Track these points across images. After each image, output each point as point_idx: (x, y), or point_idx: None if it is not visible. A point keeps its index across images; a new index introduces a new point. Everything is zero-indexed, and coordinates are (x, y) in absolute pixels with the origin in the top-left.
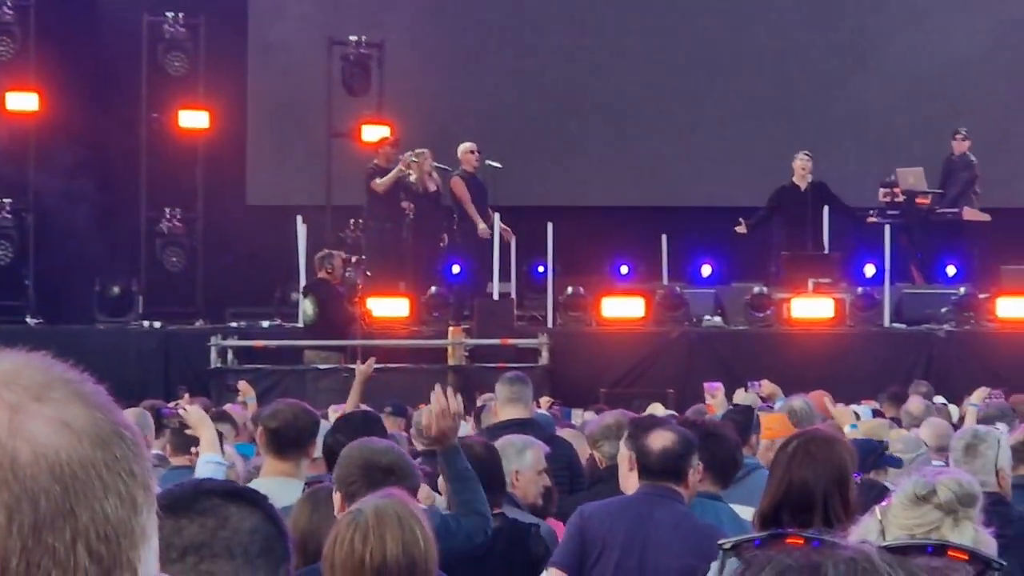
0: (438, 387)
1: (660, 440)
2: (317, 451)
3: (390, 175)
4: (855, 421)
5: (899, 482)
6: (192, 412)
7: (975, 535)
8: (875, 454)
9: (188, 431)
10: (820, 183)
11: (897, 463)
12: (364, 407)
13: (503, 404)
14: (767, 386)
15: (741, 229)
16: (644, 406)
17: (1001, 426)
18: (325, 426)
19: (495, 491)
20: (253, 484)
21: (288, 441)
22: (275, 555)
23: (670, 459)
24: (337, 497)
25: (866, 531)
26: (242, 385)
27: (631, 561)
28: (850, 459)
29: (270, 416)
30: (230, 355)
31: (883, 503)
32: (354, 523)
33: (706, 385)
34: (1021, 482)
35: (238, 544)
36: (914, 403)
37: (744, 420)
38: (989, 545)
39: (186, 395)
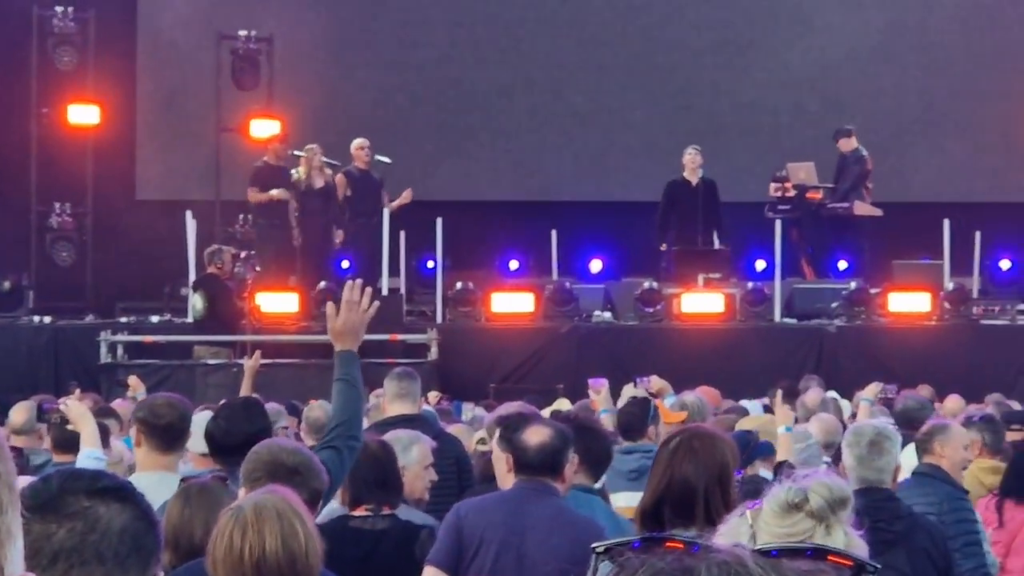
0: (354, 282)
1: (537, 436)
2: (197, 444)
3: (264, 195)
4: (790, 423)
5: (769, 489)
6: (72, 407)
7: (846, 539)
8: (749, 447)
9: (70, 427)
10: (710, 181)
11: (769, 449)
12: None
13: (391, 400)
14: (656, 382)
15: (663, 248)
16: (537, 401)
17: (887, 420)
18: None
19: (391, 491)
20: (131, 478)
21: (162, 435)
22: (145, 551)
23: (547, 454)
24: (242, 492)
25: (736, 533)
26: (132, 380)
27: (509, 556)
28: (732, 456)
29: (143, 410)
30: (120, 350)
31: (753, 505)
32: (234, 518)
33: (590, 381)
34: (925, 470)
35: (108, 547)
36: (811, 396)
37: (642, 412)
38: (860, 548)
39: (77, 391)
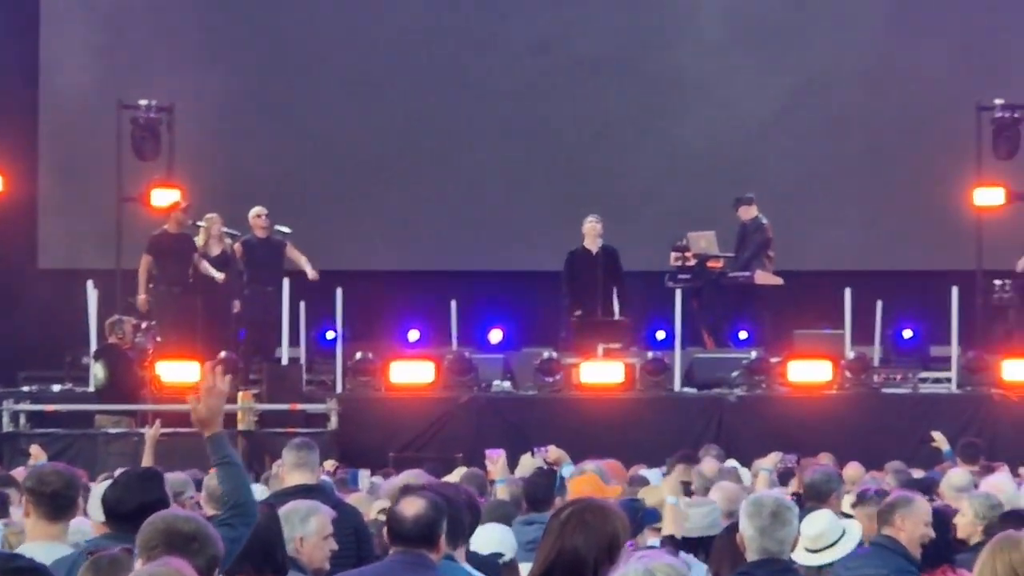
0: (207, 365)
1: (412, 507)
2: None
3: (141, 285)
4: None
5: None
6: None
7: None
8: (637, 515)
9: None
10: (611, 249)
11: (656, 517)
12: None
13: (290, 470)
14: (553, 451)
15: (578, 313)
16: (436, 469)
17: (782, 490)
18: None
19: (275, 558)
20: (20, 549)
21: (49, 503)
22: None
23: (423, 525)
24: (139, 563)
25: None
26: (34, 449)
27: None
28: (623, 528)
29: (31, 479)
30: (22, 419)
31: None
32: None
33: (487, 452)
34: (883, 541)
35: None
36: (707, 465)
37: (547, 482)
38: None
39: None
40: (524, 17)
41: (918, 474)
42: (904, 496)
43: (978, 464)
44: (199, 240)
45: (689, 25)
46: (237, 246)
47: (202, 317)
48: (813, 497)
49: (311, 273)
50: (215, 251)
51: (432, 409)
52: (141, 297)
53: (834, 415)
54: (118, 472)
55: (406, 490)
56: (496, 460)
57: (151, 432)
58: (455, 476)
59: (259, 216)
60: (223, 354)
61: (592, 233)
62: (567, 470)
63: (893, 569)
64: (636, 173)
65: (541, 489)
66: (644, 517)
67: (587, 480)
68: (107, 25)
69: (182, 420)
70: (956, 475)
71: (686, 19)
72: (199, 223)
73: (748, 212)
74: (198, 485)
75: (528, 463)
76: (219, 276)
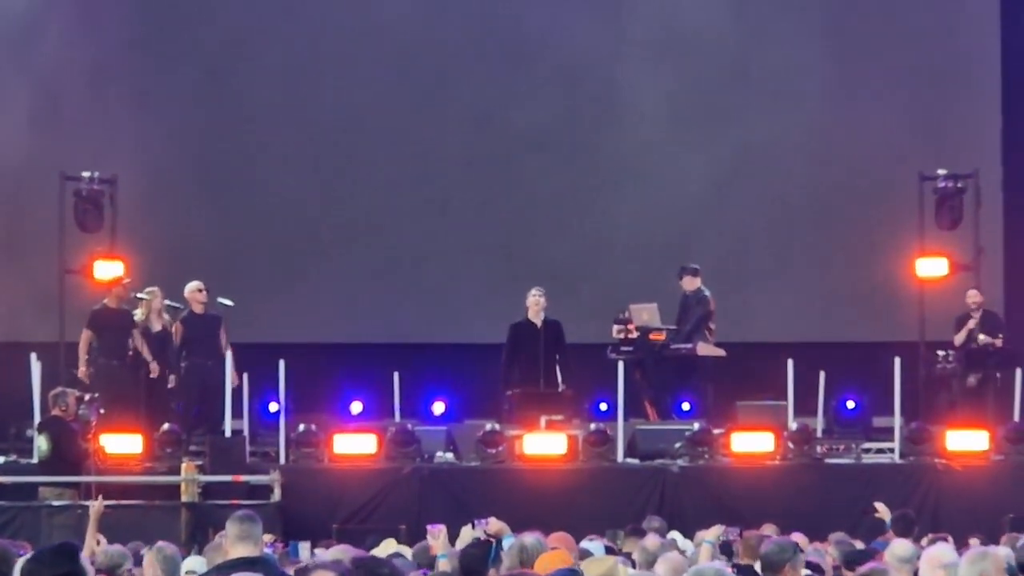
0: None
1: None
2: None
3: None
4: None
5: None
6: None
7: None
8: None
9: None
10: (554, 322)
11: None
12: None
13: (233, 542)
14: (494, 523)
15: (515, 391)
16: (377, 542)
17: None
18: None
19: None
20: None
21: None
22: None
23: None
24: None
25: None
26: None
27: None
28: None
29: None
30: None
31: None
32: None
33: (428, 527)
34: None
35: None
36: (650, 540)
37: (482, 554)
38: None
39: None
40: (465, 91)
41: (860, 545)
42: (878, 568)
43: (912, 536)
44: (139, 314)
45: (630, 98)
46: (176, 326)
47: (144, 390)
48: (768, 568)
49: (233, 378)
50: (156, 326)
51: (375, 481)
52: (82, 370)
53: (777, 486)
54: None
55: (317, 565)
56: (437, 535)
57: (95, 507)
58: (382, 550)
59: (199, 290)
60: (166, 426)
61: (535, 306)
62: (507, 542)
63: None
64: (577, 245)
65: (475, 560)
66: None
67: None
68: (48, 96)
69: (125, 492)
70: (899, 546)
71: (627, 92)
72: (140, 295)
73: (692, 283)
74: (138, 559)
75: (468, 535)
76: (154, 367)
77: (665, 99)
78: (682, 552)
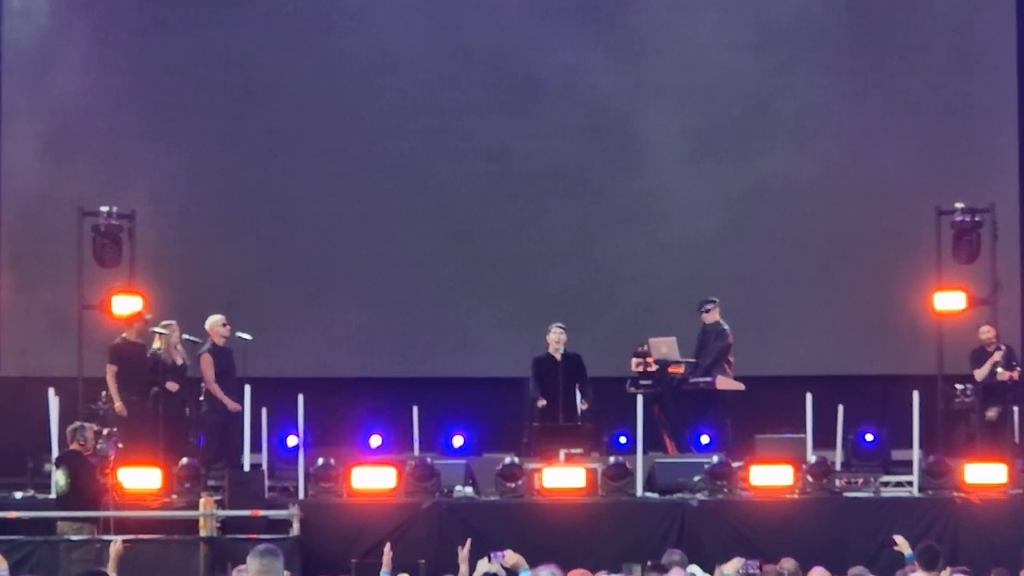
0: None
1: None
2: None
3: (113, 393)
4: None
5: None
6: None
7: None
8: None
9: None
10: (574, 355)
11: None
12: None
13: None
14: (511, 556)
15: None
16: None
17: None
18: None
19: None
20: None
21: None
22: None
23: None
24: None
25: None
26: None
27: None
28: None
29: None
30: None
31: None
32: None
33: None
34: None
35: None
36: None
37: None
38: None
39: None
40: (483, 125)
41: None
42: None
43: (937, 570)
44: (158, 346)
45: (649, 133)
46: (205, 357)
47: (163, 424)
48: None
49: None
50: (178, 360)
51: (394, 515)
52: (118, 404)
53: (796, 519)
54: None
55: None
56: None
57: (115, 548)
58: None
59: (222, 325)
60: (184, 460)
61: (556, 342)
62: (524, 575)
63: None
64: (596, 279)
65: None
66: None
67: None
68: (67, 132)
69: (144, 527)
70: None
71: (645, 127)
72: (158, 329)
73: (711, 316)
74: None
75: (484, 568)
76: (171, 386)
77: (683, 134)
78: None
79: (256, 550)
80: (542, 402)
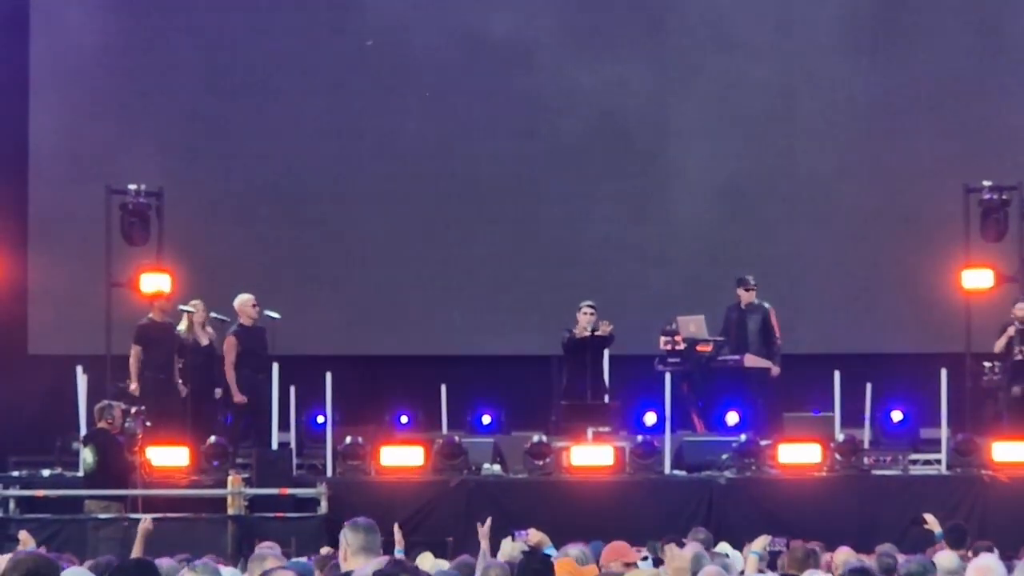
0: None
1: None
2: None
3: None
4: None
5: None
6: None
7: None
8: None
9: None
10: (605, 336)
11: None
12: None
13: (355, 552)
14: (534, 534)
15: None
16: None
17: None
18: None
19: None
20: None
21: None
22: None
23: None
24: None
25: None
26: (22, 535)
27: None
28: None
29: (12, 567)
30: (11, 504)
31: None
32: None
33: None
34: None
35: None
36: (691, 549)
37: (544, 568)
38: None
39: None
40: (512, 102)
41: (901, 558)
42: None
43: (965, 547)
44: (182, 326)
45: (676, 112)
46: (229, 340)
47: (190, 403)
48: None
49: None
50: (204, 341)
51: (422, 493)
52: (134, 385)
53: (824, 497)
54: (105, 559)
55: None
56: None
57: (143, 526)
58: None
59: (248, 304)
60: (212, 439)
61: (585, 322)
62: (549, 553)
63: None
64: (624, 257)
65: (532, 573)
66: None
67: (562, 565)
68: (95, 111)
69: (171, 505)
70: (946, 558)
71: (673, 105)
72: (184, 308)
73: (747, 296)
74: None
75: (509, 548)
76: (182, 389)
77: (713, 113)
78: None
79: (356, 523)
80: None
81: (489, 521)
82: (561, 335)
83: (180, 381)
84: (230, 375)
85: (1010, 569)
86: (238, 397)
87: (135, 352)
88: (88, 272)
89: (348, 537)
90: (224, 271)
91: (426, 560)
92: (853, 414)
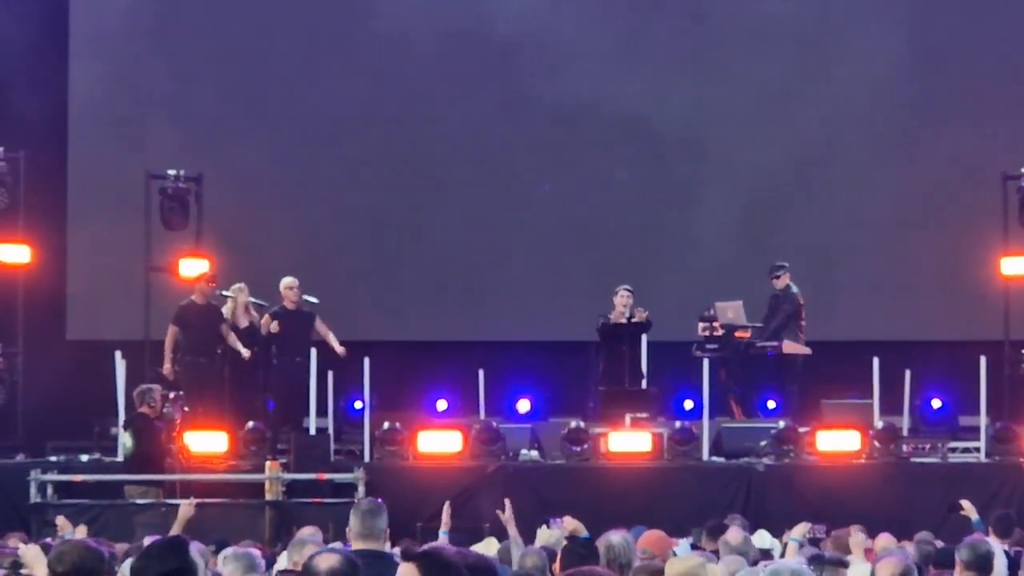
0: None
1: (325, 562)
2: None
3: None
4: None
5: None
6: (28, 551)
7: None
8: None
9: (24, 571)
10: (642, 322)
11: None
12: None
13: (356, 537)
14: (569, 522)
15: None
16: (461, 540)
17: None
18: None
19: None
20: None
21: None
22: None
23: None
24: None
25: None
26: (60, 520)
27: None
28: None
29: (56, 559)
30: (50, 490)
31: None
32: None
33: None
34: None
35: None
36: (732, 533)
37: (588, 553)
38: None
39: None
40: (547, 87)
41: (939, 544)
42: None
43: (1012, 537)
44: (226, 310)
45: (714, 95)
46: (270, 320)
47: (229, 387)
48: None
49: (339, 348)
50: (243, 323)
51: (460, 479)
52: (167, 367)
53: (863, 485)
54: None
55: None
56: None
57: (184, 509)
58: (483, 547)
59: (290, 288)
60: (250, 424)
61: (623, 306)
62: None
63: None
64: (662, 242)
65: (582, 559)
66: None
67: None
68: (135, 96)
69: (209, 490)
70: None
71: (711, 88)
72: (226, 293)
73: (781, 282)
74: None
75: (545, 535)
76: (245, 352)
77: (751, 97)
78: (768, 550)
79: (358, 506)
80: (601, 387)
81: (509, 506)
82: (596, 321)
83: (243, 347)
84: (234, 342)
85: None
86: (245, 352)
87: (171, 333)
88: (127, 257)
89: (350, 520)
90: (263, 256)
91: (492, 546)
92: (892, 402)
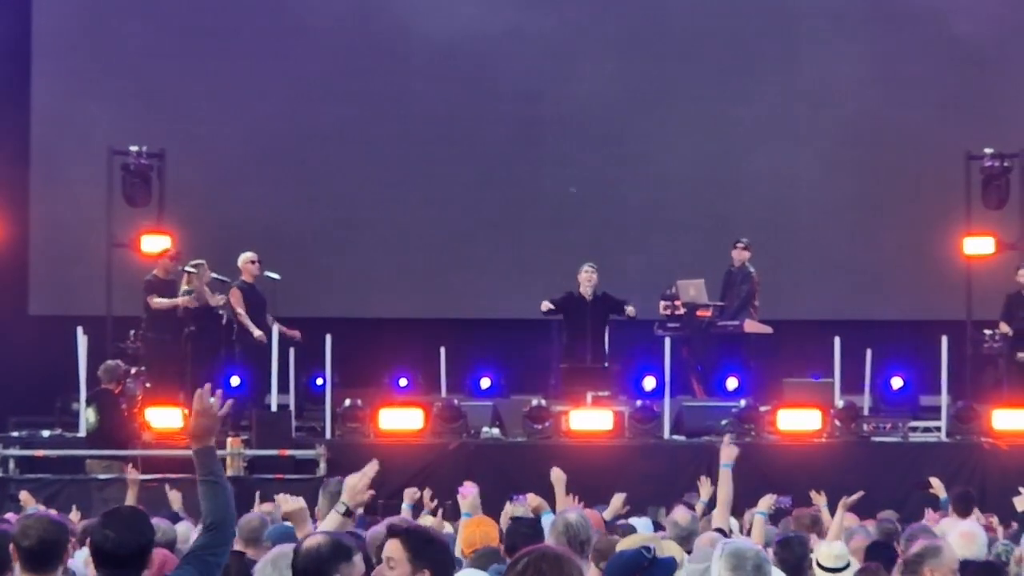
0: (202, 390)
1: (312, 540)
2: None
3: (168, 301)
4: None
5: None
6: None
7: None
8: (640, 567)
9: None
10: (603, 295)
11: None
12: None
13: (324, 516)
14: (532, 499)
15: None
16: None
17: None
18: None
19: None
20: None
21: (27, 555)
22: None
23: (311, 560)
24: None
25: None
26: (23, 495)
27: None
28: None
29: (21, 534)
30: (12, 464)
31: None
32: None
33: (460, 488)
34: None
35: None
36: (679, 512)
37: (532, 532)
38: None
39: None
40: (513, 69)
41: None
42: (931, 545)
43: (972, 515)
44: (184, 287)
45: (677, 78)
46: (234, 291)
47: (190, 363)
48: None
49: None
50: (211, 301)
51: (421, 456)
52: (184, 299)
53: (823, 464)
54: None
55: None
56: (467, 496)
57: (132, 475)
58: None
59: (251, 262)
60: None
61: (587, 282)
62: (546, 517)
63: None
64: (624, 221)
65: (525, 539)
66: (658, 566)
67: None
68: (98, 71)
69: (170, 466)
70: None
71: (673, 71)
72: (187, 268)
73: (741, 256)
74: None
75: (509, 512)
76: (258, 333)
77: (713, 76)
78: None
79: (326, 485)
80: (547, 306)
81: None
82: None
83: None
84: (245, 320)
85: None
86: (257, 333)
87: (156, 303)
88: (89, 233)
89: (319, 500)
90: (225, 232)
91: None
92: (853, 381)
